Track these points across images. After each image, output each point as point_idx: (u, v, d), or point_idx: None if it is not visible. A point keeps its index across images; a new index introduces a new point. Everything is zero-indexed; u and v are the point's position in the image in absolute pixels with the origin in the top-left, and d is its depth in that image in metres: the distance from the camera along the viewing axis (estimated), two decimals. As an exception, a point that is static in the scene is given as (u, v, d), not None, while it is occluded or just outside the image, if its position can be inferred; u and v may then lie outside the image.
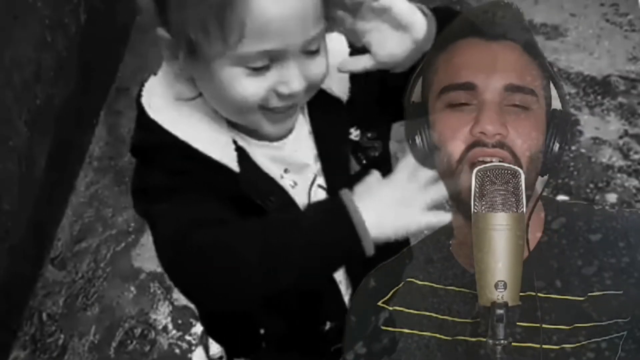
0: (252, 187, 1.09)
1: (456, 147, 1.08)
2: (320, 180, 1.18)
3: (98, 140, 2.69)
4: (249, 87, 1.02)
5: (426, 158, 1.10)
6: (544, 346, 1.06)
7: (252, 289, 1.02)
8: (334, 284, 1.24)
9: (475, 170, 1.00)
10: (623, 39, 2.91)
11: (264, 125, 1.09)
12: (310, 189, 1.17)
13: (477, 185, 1.00)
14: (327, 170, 1.18)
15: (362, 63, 1.11)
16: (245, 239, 1.01)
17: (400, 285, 1.18)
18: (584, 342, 1.06)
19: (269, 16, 0.97)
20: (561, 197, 1.19)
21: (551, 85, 1.15)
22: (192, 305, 2.27)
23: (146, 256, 2.38)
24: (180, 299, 2.30)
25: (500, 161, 1.04)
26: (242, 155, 1.10)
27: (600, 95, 2.70)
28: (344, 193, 1.01)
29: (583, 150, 2.49)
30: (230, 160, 1.08)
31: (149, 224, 1.11)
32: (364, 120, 1.21)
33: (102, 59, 2.77)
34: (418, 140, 1.11)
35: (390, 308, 1.17)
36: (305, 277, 1.04)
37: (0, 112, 2.04)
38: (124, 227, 2.46)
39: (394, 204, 1.01)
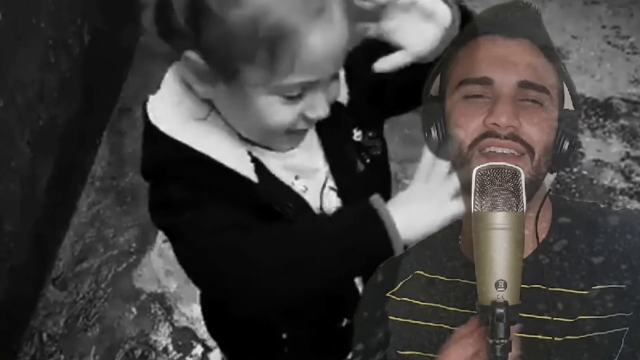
0: (270, 195, 1.13)
1: (468, 135, 1.11)
2: (331, 183, 1.22)
3: (100, 160, 2.70)
4: (282, 114, 1.07)
5: (441, 149, 1.12)
6: (547, 338, 1.09)
7: (275, 294, 1.05)
8: (350, 281, 1.27)
9: (475, 170, 1.02)
10: (625, 61, 2.92)
11: (282, 144, 1.14)
12: (322, 192, 1.21)
13: (478, 185, 1.02)
14: (335, 172, 1.22)
15: (398, 60, 1.14)
16: (268, 246, 1.05)
17: (409, 277, 1.21)
18: (587, 335, 1.08)
19: (317, 52, 1.02)
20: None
21: (564, 86, 1.18)
22: (192, 327, 2.28)
23: (147, 277, 2.38)
24: (181, 320, 2.30)
25: (511, 152, 1.08)
26: (258, 166, 1.13)
27: (602, 118, 2.71)
28: (375, 198, 1.05)
29: (585, 173, 2.50)
30: (248, 171, 1.11)
31: (172, 235, 1.13)
32: (364, 121, 1.25)
33: (106, 79, 2.78)
34: (433, 131, 1.14)
35: (398, 299, 1.20)
36: (329, 282, 1.08)
37: (3, 133, 2.05)
38: (126, 248, 2.46)
39: (420, 204, 1.05)
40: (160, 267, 2.38)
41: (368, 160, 1.25)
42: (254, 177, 1.12)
